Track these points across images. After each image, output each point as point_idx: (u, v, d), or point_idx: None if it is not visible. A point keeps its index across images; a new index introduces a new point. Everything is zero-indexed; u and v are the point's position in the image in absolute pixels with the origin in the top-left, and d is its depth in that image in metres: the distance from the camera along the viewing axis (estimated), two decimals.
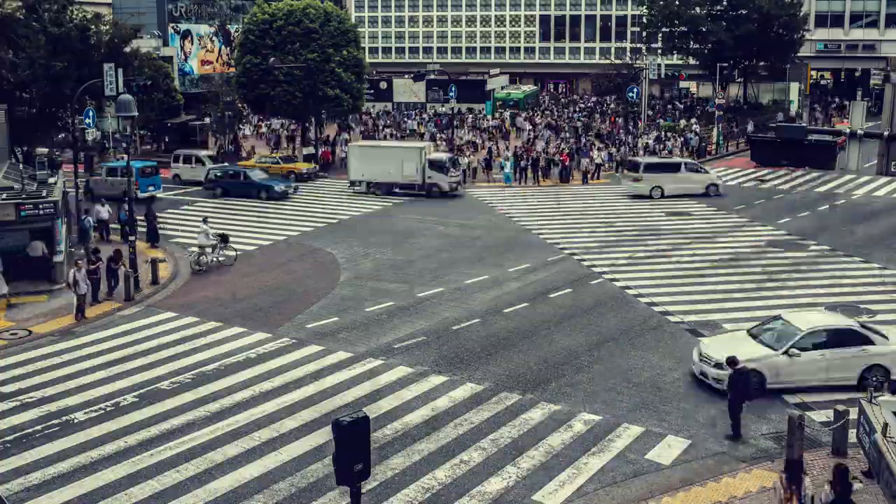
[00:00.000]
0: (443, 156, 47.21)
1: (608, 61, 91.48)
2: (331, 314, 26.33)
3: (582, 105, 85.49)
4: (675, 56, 79.16)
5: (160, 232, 36.11)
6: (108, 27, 42.42)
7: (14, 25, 39.41)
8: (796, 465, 14.49)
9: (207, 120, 62.92)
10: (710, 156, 59.27)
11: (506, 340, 23.94)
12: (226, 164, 50.92)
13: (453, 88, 58.96)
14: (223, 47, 76.17)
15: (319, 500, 15.95)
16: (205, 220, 34.20)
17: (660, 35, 77.36)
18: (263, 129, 67.61)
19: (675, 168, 46.04)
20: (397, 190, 45.46)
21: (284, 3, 54.95)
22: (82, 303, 26.48)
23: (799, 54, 76.22)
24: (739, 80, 77.67)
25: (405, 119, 74.70)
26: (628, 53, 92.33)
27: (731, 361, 18.47)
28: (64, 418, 19.34)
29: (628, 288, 28.74)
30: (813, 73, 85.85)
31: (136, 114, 35.35)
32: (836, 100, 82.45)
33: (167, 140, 61.82)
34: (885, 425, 13.30)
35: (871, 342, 20.14)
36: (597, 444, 17.87)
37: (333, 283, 30.14)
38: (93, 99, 41.92)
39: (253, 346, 23.75)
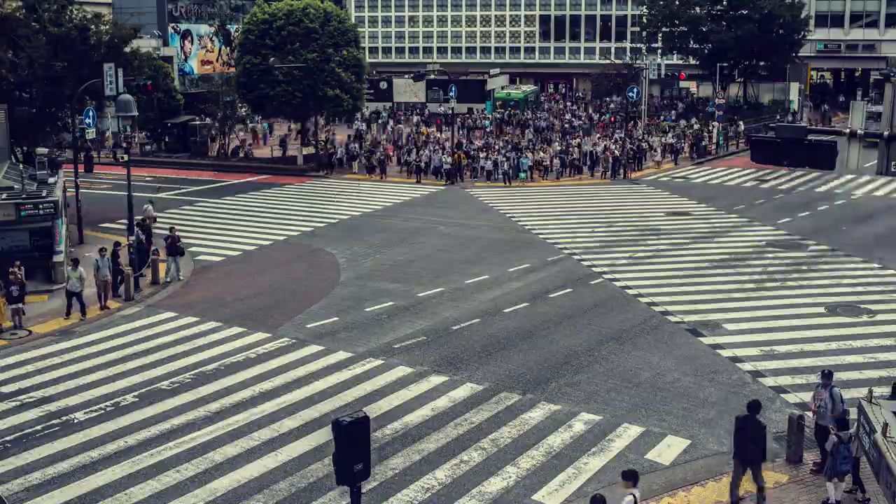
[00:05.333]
0: None
1: (608, 61, 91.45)
2: (331, 314, 26.32)
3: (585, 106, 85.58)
4: (675, 56, 79.12)
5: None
6: (107, 27, 42.38)
7: (14, 25, 39.38)
8: None
9: (208, 120, 62.92)
10: (711, 156, 59.34)
11: (506, 340, 23.93)
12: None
13: (453, 88, 58.81)
14: (223, 47, 76.21)
15: (319, 500, 15.95)
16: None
17: (660, 35, 77.33)
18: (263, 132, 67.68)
19: None
20: None
21: (284, 3, 54.93)
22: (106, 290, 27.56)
23: (799, 54, 76.18)
24: (739, 80, 77.64)
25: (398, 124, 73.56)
26: (628, 53, 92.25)
27: None
28: (64, 418, 19.33)
29: (628, 288, 28.73)
30: (812, 73, 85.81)
31: (136, 114, 35.45)
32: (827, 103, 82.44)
33: (167, 140, 61.85)
34: (885, 425, 13.28)
35: None
36: (597, 444, 17.87)
37: (333, 283, 30.13)
38: (93, 99, 41.90)
39: (253, 346, 23.74)
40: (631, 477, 13.70)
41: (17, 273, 25.87)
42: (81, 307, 26.50)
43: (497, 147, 56.63)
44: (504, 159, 51.41)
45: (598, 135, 62.00)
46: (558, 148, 55.51)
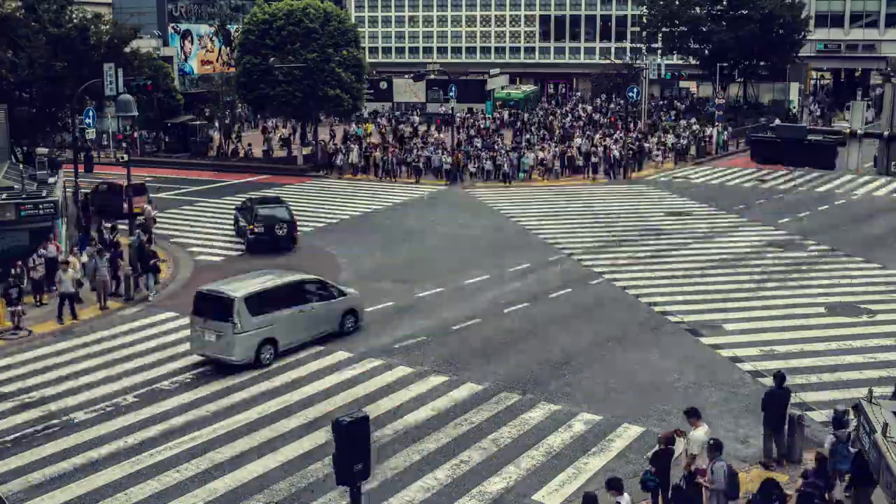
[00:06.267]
0: None
1: (608, 61, 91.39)
2: None
3: (587, 107, 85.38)
4: (676, 56, 79.08)
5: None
6: (107, 27, 42.40)
7: (14, 25, 39.38)
8: None
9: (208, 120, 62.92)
10: (710, 156, 59.36)
11: (506, 340, 23.93)
12: None
13: (453, 88, 58.80)
14: (223, 47, 76.19)
15: (319, 500, 15.95)
16: None
17: (660, 35, 77.28)
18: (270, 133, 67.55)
19: None
20: None
21: (284, 3, 54.90)
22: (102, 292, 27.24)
23: (799, 54, 76.14)
24: (739, 80, 77.60)
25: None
26: (628, 53, 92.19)
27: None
28: (64, 418, 19.35)
29: (628, 288, 28.73)
30: (813, 73, 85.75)
31: (136, 114, 35.46)
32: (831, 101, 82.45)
33: (167, 140, 61.85)
34: (885, 425, 13.27)
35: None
36: (597, 444, 17.88)
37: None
38: (93, 99, 41.92)
39: None
40: (615, 486, 13.49)
41: (19, 274, 25.84)
42: (72, 310, 26.11)
43: (498, 146, 56.57)
44: (505, 159, 51.38)
45: (599, 135, 61.93)
46: (556, 150, 55.46)
